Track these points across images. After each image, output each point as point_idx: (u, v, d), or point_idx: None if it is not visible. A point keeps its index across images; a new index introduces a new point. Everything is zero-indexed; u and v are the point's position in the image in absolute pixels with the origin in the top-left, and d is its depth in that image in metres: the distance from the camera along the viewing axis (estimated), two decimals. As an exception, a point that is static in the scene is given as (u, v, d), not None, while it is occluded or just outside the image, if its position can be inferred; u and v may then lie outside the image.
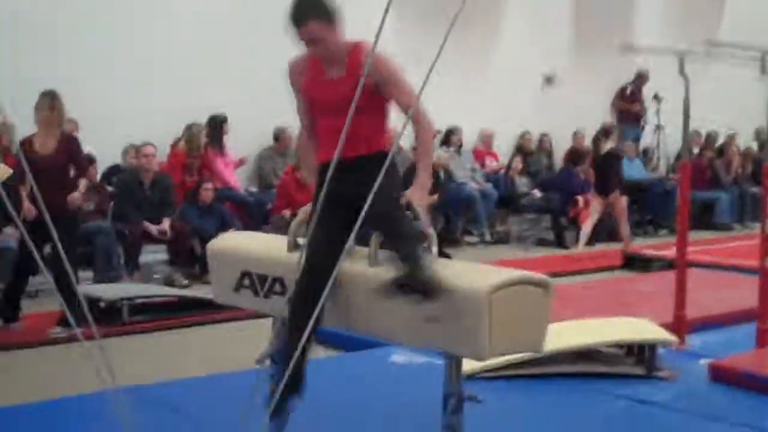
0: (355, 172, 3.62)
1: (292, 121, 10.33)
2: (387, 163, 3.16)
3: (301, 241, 3.96)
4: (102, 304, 6.96)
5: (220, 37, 10.28)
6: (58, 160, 6.80)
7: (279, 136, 10.76)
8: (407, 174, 4.49)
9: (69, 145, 6.97)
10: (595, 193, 11.04)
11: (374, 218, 3.36)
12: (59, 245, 3.33)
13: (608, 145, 10.98)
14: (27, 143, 6.82)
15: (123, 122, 9.60)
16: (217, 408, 4.49)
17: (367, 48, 3.70)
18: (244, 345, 5.10)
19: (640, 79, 14.51)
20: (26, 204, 6.58)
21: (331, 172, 3.02)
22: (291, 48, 3.92)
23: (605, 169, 10.90)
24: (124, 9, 9.77)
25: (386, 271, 3.56)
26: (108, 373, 2.96)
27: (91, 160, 8.76)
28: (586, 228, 11.20)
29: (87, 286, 7.41)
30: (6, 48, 8.96)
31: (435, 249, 3.86)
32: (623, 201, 10.95)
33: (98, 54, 9.56)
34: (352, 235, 3.24)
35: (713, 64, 13.06)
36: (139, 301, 7.21)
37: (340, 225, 3.56)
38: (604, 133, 11.29)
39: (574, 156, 12.62)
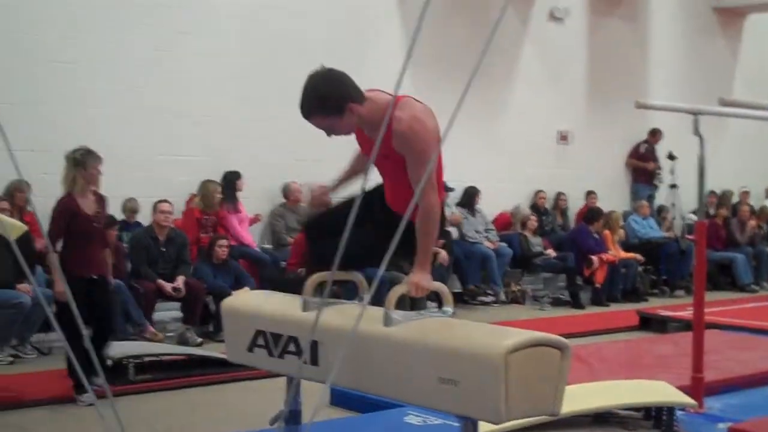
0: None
1: (298, 177, 10.53)
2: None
3: (316, 300, 3.93)
4: (109, 362, 6.88)
5: (236, 96, 10.39)
6: (101, 221, 6.71)
7: (287, 192, 10.75)
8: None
9: (104, 204, 6.78)
10: None
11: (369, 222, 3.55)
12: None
13: None
14: (72, 203, 6.43)
15: (141, 179, 9.65)
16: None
17: (403, 107, 3.63)
18: (257, 405, 5.05)
19: (654, 137, 14.54)
20: (59, 287, 6.02)
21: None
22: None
23: None
24: (143, 65, 9.85)
25: (402, 330, 3.53)
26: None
27: (113, 221, 8.75)
28: None
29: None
30: (26, 98, 9.04)
31: (450, 308, 3.84)
32: None
33: (114, 110, 9.64)
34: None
35: (727, 122, 13.14)
36: (147, 359, 7.13)
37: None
38: None
39: (589, 214, 12.57)
